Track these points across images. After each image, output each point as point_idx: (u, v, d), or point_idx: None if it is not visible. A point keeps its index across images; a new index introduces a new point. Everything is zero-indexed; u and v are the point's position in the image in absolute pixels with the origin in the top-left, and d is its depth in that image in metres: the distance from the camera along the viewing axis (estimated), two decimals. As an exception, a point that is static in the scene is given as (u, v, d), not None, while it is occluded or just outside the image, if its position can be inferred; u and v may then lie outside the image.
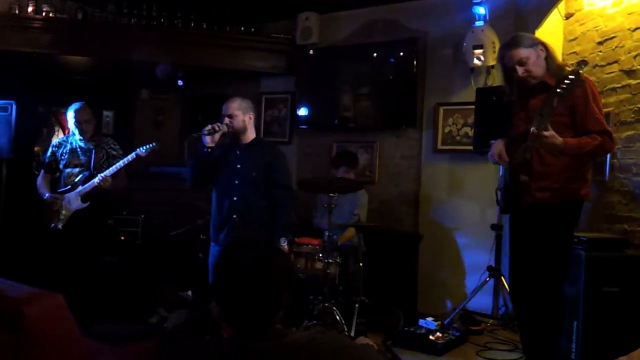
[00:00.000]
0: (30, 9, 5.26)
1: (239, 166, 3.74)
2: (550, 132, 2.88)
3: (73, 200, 4.31)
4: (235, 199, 3.71)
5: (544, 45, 3.14)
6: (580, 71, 2.80)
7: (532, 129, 2.86)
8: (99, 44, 5.49)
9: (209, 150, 3.65)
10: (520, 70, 3.10)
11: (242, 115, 3.72)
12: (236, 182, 3.72)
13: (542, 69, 3.12)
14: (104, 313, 4.21)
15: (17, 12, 5.22)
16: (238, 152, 3.78)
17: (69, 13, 5.50)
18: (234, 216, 3.71)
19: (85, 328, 3.66)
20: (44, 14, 5.29)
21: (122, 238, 5.26)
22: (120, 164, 4.26)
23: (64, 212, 4.30)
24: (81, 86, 6.43)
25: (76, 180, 4.34)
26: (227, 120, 3.68)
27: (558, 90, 2.73)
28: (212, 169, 3.76)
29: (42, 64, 5.76)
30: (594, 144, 2.98)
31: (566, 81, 2.73)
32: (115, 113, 6.79)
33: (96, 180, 4.24)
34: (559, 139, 2.90)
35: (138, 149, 4.28)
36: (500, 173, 3.42)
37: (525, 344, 3.39)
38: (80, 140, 4.40)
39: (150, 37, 5.60)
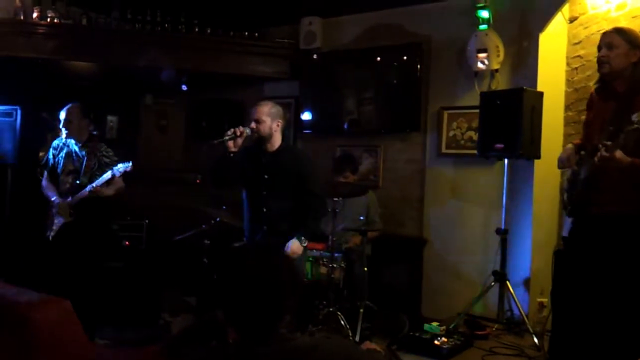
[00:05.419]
0: (35, 14, 5.27)
1: (266, 177, 3.66)
2: (619, 154, 2.78)
3: (63, 212, 4.20)
4: (264, 210, 3.66)
5: None
6: None
7: (602, 151, 2.77)
8: (103, 50, 5.50)
9: (232, 154, 3.53)
10: (602, 51, 3.07)
11: (270, 122, 3.61)
12: (264, 192, 3.66)
13: (622, 67, 3.05)
14: (109, 318, 4.21)
15: (22, 18, 5.24)
16: (264, 160, 3.69)
17: (73, 19, 5.52)
18: (265, 227, 3.67)
19: (91, 333, 3.68)
20: (48, 19, 5.31)
21: (127, 243, 5.27)
22: (101, 180, 4.08)
23: (56, 221, 4.22)
24: (85, 91, 6.43)
25: (68, 188, 4.23)
26: (253, 124, 3.59)
27: (635, 125, 2.66)
28: (234, 171, 3.66)
29: (46, 69, 5.77)
30: None
31: None
32: (120, 118, 6.80)
33: (87, 190, 4.11)
34: (626, 160, 2.80)
35: (114, 169, 4.07)
36: (569, 175, 3.27)
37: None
38: (75, 144, 4.30)
39: (154, 43, 5.61)
